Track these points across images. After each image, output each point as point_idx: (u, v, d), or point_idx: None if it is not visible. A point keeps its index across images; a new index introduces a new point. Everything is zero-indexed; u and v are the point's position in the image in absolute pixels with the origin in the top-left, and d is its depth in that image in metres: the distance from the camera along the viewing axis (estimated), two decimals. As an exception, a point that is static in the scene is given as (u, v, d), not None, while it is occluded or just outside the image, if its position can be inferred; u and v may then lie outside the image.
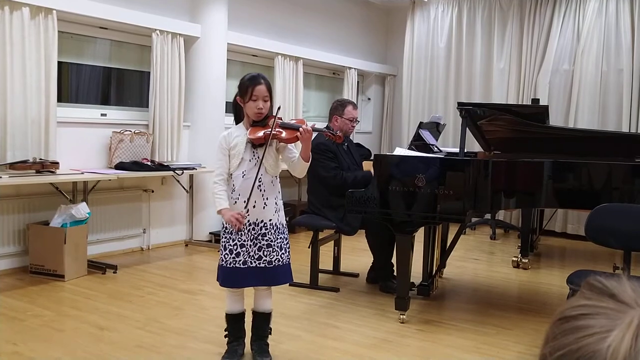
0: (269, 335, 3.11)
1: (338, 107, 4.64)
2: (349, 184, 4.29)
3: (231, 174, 2.96)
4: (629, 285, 0.54)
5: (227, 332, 3.08)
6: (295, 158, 2.95)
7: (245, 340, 3.12)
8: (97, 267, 4.73)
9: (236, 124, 3.04)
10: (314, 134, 3.01)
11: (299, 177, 3.03)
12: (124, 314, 3.77)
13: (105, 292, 4.23)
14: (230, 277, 2.94)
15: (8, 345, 3.18)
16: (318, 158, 4.40)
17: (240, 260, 2.90)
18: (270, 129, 2.86)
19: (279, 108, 2.92)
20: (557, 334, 0.54)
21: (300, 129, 2.84)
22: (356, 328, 3.65)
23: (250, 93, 2.89)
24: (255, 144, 2.91)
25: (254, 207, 2.91)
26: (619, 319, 0.51)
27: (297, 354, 3.21)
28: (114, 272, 4.72)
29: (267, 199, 2.93)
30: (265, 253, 2.91)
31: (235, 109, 3.03)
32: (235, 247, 2.91)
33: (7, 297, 4.01)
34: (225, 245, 2.94)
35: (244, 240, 2.90)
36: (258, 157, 2.91)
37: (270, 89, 2.95)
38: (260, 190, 2.91)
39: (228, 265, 2.91)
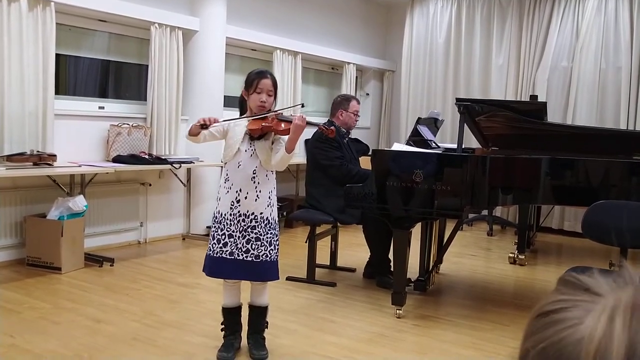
0: (266, 329, 3.12)
1: (343, 102, 4.70)
2: (352, 176, 4.32)
3: (225, 163, 2.97)
4: (601, 278, 0.56)
5: (223, 326, 3.09)
6: (279, 150, 2.91)
7: (242, 334, 3.13)
8: (94, 260, 4.73)
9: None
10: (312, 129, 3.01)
11: (277, 170, 3.02)
12: (120, 306, 3.77)
13: (102, 285, 4.23)
14: (216, 267, 2.95)
15: (4, 337, 3.18)
16: (321, 147, 4.42)
17: (227, 251, 2.90)
18: (268, 122, 2.88)
19: (302, 105, 3.31)
20: (537, 328, 0.56)
21: (295, 117, 2.84)
22: (353, 323, 3.66)
23: (255, 85, 2.91)
24: (253, 136, 2.91)
25: (245, 198, 2.91)
26: (593, 308, 0.53)
27: (293, 348, 3.22)
28: (110, 265, 4.72)
29: (260, 191, 2.92)
30: (253, 246, 2.90)
31: (241, 103, 3.05)
32: (223, 237, 2.91)
33: (4, 289, 4.00)
34: (213, 234, 2.95)
35: (232, 231, 2.90)
36: (255, 149, 2.91)
37: (275, 85, 2.97)
38: (254, 182, 2.91)
39: (215, 255, 2.92)
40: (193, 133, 2.85)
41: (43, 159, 4.41)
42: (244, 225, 2.91)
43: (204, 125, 2.82)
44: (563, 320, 0.53)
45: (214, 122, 2.84)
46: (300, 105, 3.47)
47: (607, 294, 0.54)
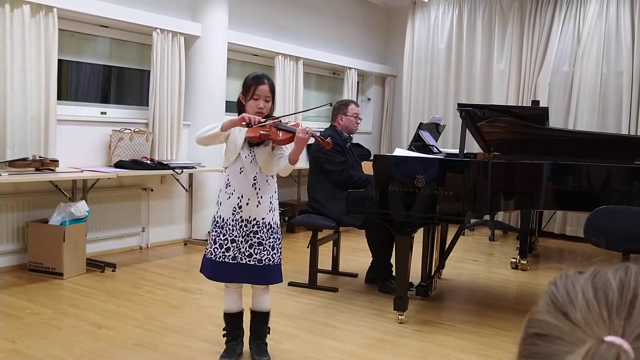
0: (268, 335, 3.12)
1: (341, 107, 4.74)
2: (354, 181, 4.35)
3: (226, 168, 2.97)
4: (583, 297, 0.53)
5: (225, 331, 3.09)
6: (283, 156, 2.94)
7: (244, 340, 3.12)
8: (96, 265, 4.73)
9: None
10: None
11: (281, 176, 3.04)
12: (122, 312, 3.77)
13: (104, 290, 4.23)
14: (218, 271, 2.95)
15: (6, 342, 3.18)
16: (324, 151, 4.43)
17: (230, 256, 2.90)
18: (267, 130, 2.87)
19: (330, 104, 3.21)
20: (527, 353, 0.55)
21: (298, 130, 2.84)
22: (354, 328, 3.66)
23: (252, 92, 2.90)
24: (252, 143, 2.91)
25: (247, 204, 2.91)
26: (568, 345, 0.50)
27: (295, 354, 3.21)
28: (112, 271, 4.72)
29: (261, 197, 2.93)
30: (256, 251, 2.91)
31: (239, 106, 3.04)
32: (225, 241, 2.91)
33: (6, 294, 4.00)
34: (215, 238, 2.95)
35: (235, 236, 2.91)
36: (254, 156, 2.91)
37: (273, 90, 2.96)
38: (255, 188, 2.91)
39: (217, 259, 2.92)
40: (225, 128, 2.83)
41: (45, 164, 4.41)
42: (246, 230, 2.91)
43: (249, 124, 2.78)
44: (542, 356, 0.52)
45: (258, 122, 2.80)
46: (328, 105, 3.39)
47: (585, 329, 0.51)
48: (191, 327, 3.55)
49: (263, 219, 2.93)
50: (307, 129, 2.84)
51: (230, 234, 2.91)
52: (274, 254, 2.95)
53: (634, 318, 0.51)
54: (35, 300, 3.93)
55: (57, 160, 4.52)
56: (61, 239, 4.42)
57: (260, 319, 3.08)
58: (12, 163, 4.28)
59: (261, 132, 2.85)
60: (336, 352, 3.27)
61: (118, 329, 3.46)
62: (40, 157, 4.48)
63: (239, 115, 3.06)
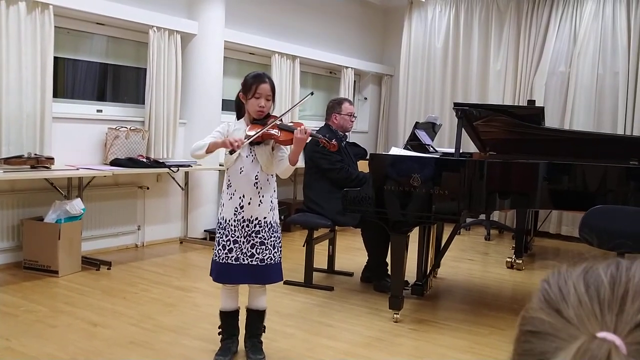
0: (263, 333, 3.12)
1: (335, 106, 4.72)
2: (352, 179, 4.35)
3: (227, 169, 2.97)
4: (575, 293, 0.54)
5: (220, 330, 3.08)
6: (283, 158, 2.94)
7: (239, 338, 3.12)
8: (91, 263, 4.72)
9: (237, 120, 3.05)
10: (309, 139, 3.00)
11: (281, 178, 3.03)
12: (117, 310, 3.76)
13: (99, 288, 4.22)
14: (222, 273, 2.95)
15: (1, 340, 3.17)
16: (320, 150, 4.42)
17: (232, 257, 2.90)
18: (268, 129, 2.87)
19: (311, 93, 3.20)
20: (521, 351, 0.55)
21: (296, 130, 2.84)
22: (350, 327, 3.66)
23: (253, 90, 2.90)
24: (253, 142, 2.91)
25: (249, 204, 2.91)
26: (561, 342, 0.51)
27: (290, 352, 3.21)
28: (108, 269, 4.71)
29: (262, 196, 2.93)
30: (258, 251, 2.91)
31: (238, 105, 3.04)
32: (228, 242, 2.91)
33: (1, 292, 3.99)
34: (218, 240, 2.95)
35: (237, 237, 2.91)
36: (255, 155, 2.91)
37: (273, 89, 2.97)
38: (257, 188, 2.91)
39: (220, 261, 2.92)
40: (211, 150, 2.84)
41: (41, 162, 4.40)
42: (248, 230, 2.91)
43: (233, 151, 2.76)
44: (535, 353, 0.53)
45: (241, 144, 2.79)
46: (310, 95, 3.36)
47: (577, 325, 0.52)
48: (186, 325, 3.54)
49: (265, 218, 2.93)
50: (305, 129, 2.84)
51: (233, 235, 2.91)
52: (275, 252, 2.95)
53: (625, 313, 0.51)
54: (30, 298, 3.92)
55: (53, 158, 4.51)
56: (56, 236, 4.41)
57: (256, 318, 3.08)
58: (7, 160, 4.27)
59: (263, 131, 2.85)
60: (331, 350, 3.27)
61: (113, 327, 3.45)
62: (35, 154, 4.46)
63: (237, 114, 3.06)
